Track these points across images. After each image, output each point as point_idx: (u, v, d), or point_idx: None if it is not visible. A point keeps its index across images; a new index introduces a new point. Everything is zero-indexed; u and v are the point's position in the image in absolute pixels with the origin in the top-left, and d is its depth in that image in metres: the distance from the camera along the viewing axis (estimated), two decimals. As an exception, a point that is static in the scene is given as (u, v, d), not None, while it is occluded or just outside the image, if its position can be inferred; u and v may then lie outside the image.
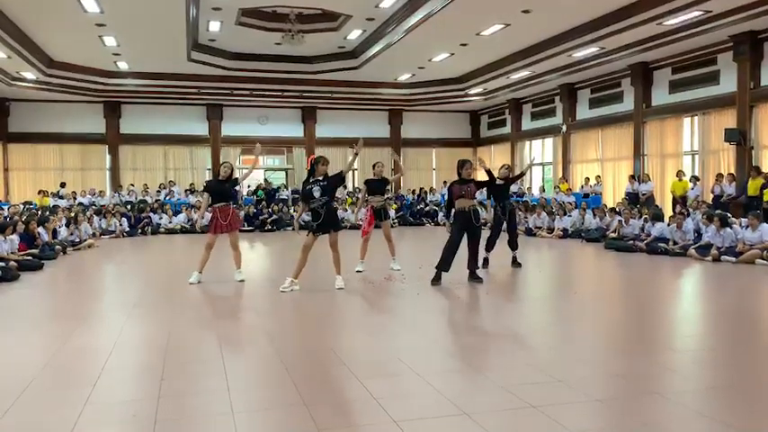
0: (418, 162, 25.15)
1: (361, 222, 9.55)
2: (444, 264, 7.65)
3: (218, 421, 3.34)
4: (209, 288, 7.75)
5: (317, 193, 7.15)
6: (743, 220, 10.72)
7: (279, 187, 22.03)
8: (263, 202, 19.93)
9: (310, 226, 7.34)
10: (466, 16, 13.40)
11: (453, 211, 7.81)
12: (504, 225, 9.47)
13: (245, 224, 18.09)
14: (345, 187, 20.16)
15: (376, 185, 9.03)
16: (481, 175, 9.51)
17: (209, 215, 8.64)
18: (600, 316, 6.16)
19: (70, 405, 3.56)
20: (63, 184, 20.52)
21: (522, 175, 11.20)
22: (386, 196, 9.33)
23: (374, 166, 9.18)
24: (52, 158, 21.83)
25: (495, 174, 9.52)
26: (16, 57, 15.17)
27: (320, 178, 7.25)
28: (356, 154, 7.59)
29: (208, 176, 22.46)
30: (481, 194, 18.03)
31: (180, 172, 22.77)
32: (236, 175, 8.65)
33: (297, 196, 20.35)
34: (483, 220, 7.96)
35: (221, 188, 8.17)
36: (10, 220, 11.60)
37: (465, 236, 7.70)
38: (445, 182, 22.93)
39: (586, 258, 11.24)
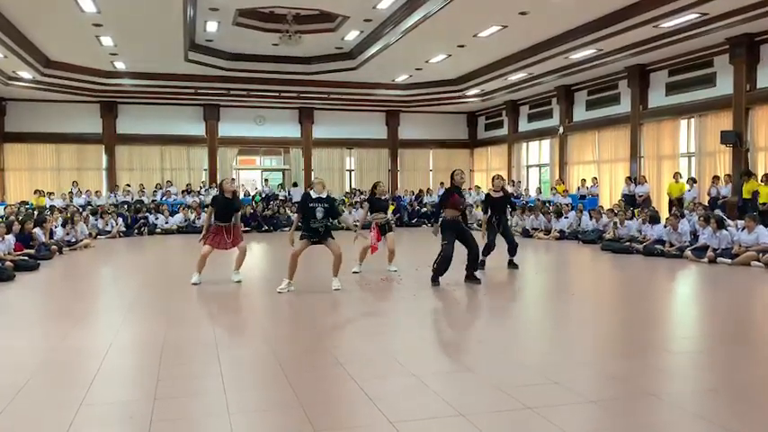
0: (415, 163, 25.19)
1: (356, 224, 9.59)
2: (440, 271, 7.66)
3: (215, 422, 3.34)
4: (206, 288, 7.73)
5: (319, 215, 7.19)
6: (739, 222, 10.75)
7: (276, 194, 21.94)
8: (261, 204, 19.88)
9: (305, 235, 7.30)
10: (463, 18, 13.41)
11: (444, 218, 7.76)
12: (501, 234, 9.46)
13: (243, 224, 18.06)
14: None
15: (379, 204, 9.12)
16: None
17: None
18: (596, 317, 6.17)
19: (66, 406, 3.55)
20: (75, 183, 20.66)
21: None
22: (389, 213, 9.46)
23: (376, 185, 9.25)
24: (48, 158, 21.78)
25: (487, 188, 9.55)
26: (13, 56, 15.12)
27: (323, 196, 7.30)
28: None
29: (204, 177, 22.53)
30: (478, 194, 18.14)
31: (177, 172, 22.75)
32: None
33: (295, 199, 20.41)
34: (474, 222, 7.97)
35: (228, 205, 8.05)
36: (6, 220, 11.59)
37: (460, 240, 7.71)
38: (442, 183, 22.99)
39: (583, 260, 11.26)
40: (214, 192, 17.51)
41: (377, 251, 8.93)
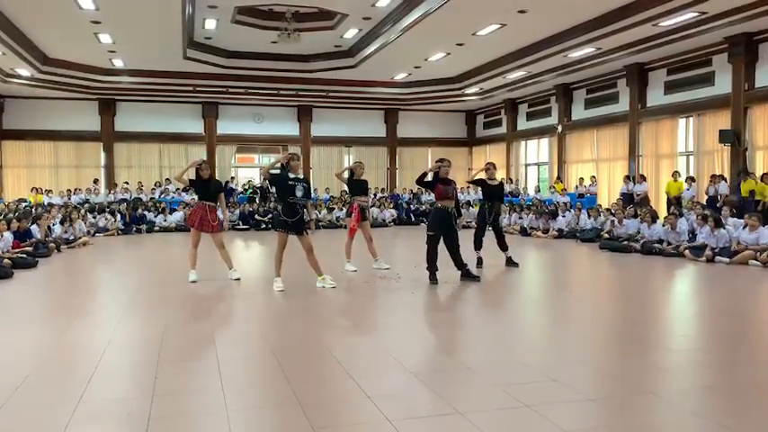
0: (414, 161, 25.17)
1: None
2: (432, 266, 7.74)
3: (213, 419, 3.34)
4: (204, 286, 7.74)
5: (299, 193, 7.22)
6: (737, 220, 10.74)
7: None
8: (257, 202, 19.87)
9: (284, 223, 7.28)
10: (462, 16, 13.41)
11: (434, 206, 7.93)
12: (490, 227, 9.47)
13: (240, 222, 18.10)
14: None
15: (358, 186, 9.18)
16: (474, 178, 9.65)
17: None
18: (594, 316, 6.18)
19: (64, 403, 3.55)
20: (96, 181, 20.85)
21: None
22: (369, 197, 9.46)
23: (355, 168, 9.33)
24: (47, 156, 21.79)
25: (483, 175, 9.60)
26: (11, 53, 15.10)
27: (300, 177, 7.37)
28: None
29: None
30: (477, 194, 18.18)
31: (175, 170, 22.69)
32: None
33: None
34: (459, 225, 8.00)
35: (206, 186, 8.18)
36: (5, 217, 11.59)
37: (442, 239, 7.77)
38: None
39: (581, 259, 11.26)
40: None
41: (354, 233, 9.00)
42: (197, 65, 18.13)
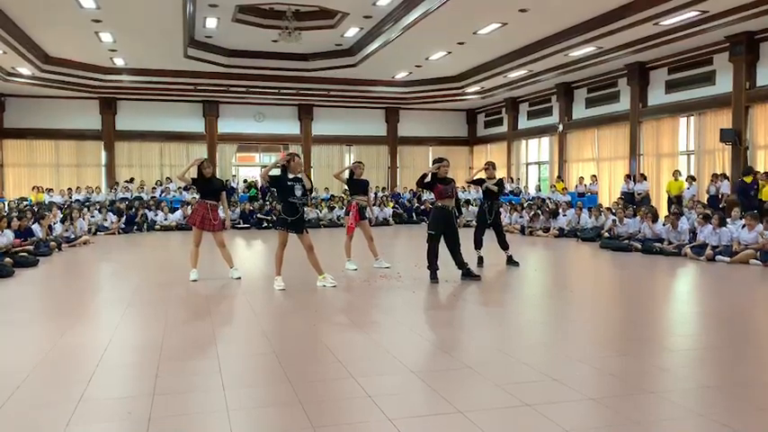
0: (414, 160, 25.17)
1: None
2: (433, 265, 7.78)
3: (214, 419, 3.34)
4: (205, 285, 7.74)
5: (298, 192, 7.26)
6: (740, 222, 10.74)
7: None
8: (258, 201, 19.88)
9: (284, 221, 7.31)
10: (463, 15, 13.40)
11: (434, 205, 7.92)
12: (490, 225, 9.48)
13: (241, 221, 18.11)
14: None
15: (358, 186, 9.18)
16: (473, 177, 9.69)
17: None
18: (595, 315, 6.18)
19: (65, 402, 3.55)
20: (131, 180, 20.98)
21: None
22: (368, 196, 9.48)
23: (354, 168, 9.32)
24: (47, 154, 21.82)
25: (483, 175, 9.61)
26: (12, 52, 15.11)
27: (299, 176, 7.37)
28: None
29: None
30: (477, 192, 18.18)
31: (176, 169, 22.70)
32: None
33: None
34: (460, 221, 8.04)
35: (209, 185, 8.18)
36: (8, 215, 11.62)
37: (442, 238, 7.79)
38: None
39: (582, 258, 11.26)
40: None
41: (352, 232, 9.01)
42: (198, 64, 18.13)
